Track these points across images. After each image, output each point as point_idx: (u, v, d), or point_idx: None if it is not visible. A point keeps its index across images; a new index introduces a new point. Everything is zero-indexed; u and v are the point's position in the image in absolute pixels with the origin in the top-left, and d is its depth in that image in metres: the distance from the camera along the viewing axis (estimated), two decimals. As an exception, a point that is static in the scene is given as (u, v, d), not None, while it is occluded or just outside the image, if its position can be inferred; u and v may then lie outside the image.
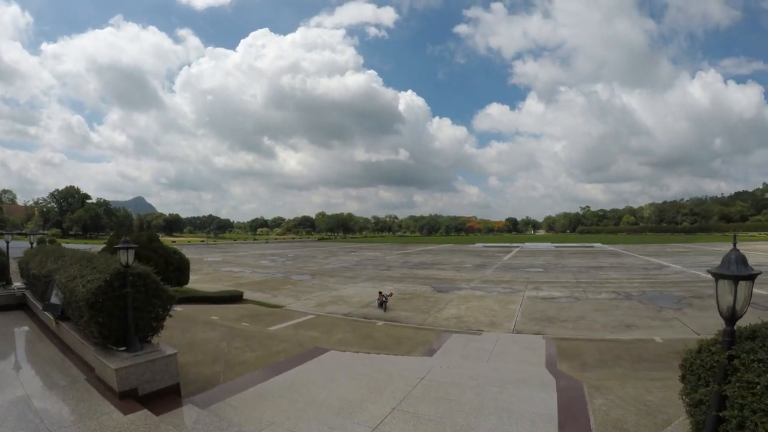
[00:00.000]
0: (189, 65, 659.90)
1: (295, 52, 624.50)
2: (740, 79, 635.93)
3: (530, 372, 12.98)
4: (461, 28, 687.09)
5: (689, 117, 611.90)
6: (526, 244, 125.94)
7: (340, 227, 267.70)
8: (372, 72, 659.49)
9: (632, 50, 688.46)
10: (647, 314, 24.41)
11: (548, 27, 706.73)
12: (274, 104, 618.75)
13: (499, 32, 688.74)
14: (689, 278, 40.19)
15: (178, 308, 17.87)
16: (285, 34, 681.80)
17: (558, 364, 14.83)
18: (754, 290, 6.64)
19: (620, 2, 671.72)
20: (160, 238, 32.03)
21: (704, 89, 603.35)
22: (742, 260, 6.06)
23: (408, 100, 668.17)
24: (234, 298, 26.36)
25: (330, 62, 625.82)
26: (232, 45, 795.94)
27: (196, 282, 33.05)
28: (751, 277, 6.01)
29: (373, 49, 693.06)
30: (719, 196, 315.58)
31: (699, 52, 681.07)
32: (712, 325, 19.90)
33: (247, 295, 27.82)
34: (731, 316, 6.15)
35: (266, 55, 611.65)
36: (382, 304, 24.82)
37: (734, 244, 6.60)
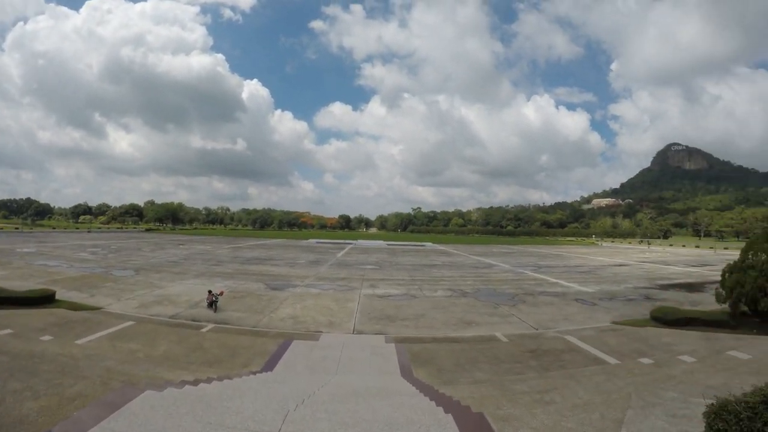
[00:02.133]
0: (25, 21, 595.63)
1: (142, 23, 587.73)
2: (571, 107, 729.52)
3: (393, 386, 11.86)
4: (317, 24, 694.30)
5: (521, 134, 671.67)
6: (359, 241, 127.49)
7: (169, 217, 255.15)
8: (220, 56, 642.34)
9: (478, 68, 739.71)
10: (485, 311, 24.93)
11: (403, 35, 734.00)
12: (110, 77, 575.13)
13: (354, 33, 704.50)
14: (518, 276, 42.11)
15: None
16: (135, 1, 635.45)
17: (414, 372, 14.23)
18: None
19: (474, 23, 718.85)
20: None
21: (537, 111, 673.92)
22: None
23: (253, 90, 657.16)
24: (44, 298, 22.72)
25: (178, 39, 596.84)
26: (76, 5, 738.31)
27: (5, 278, 28.80)
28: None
29: (225, 31, 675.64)
30: (541, 204, 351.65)
31: (538, 78, 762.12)
32: (546, 319, 20.71)
33: (60, 295, 24.19)
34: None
35: (110, 22, 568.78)
36: (212, 303, 22.96)
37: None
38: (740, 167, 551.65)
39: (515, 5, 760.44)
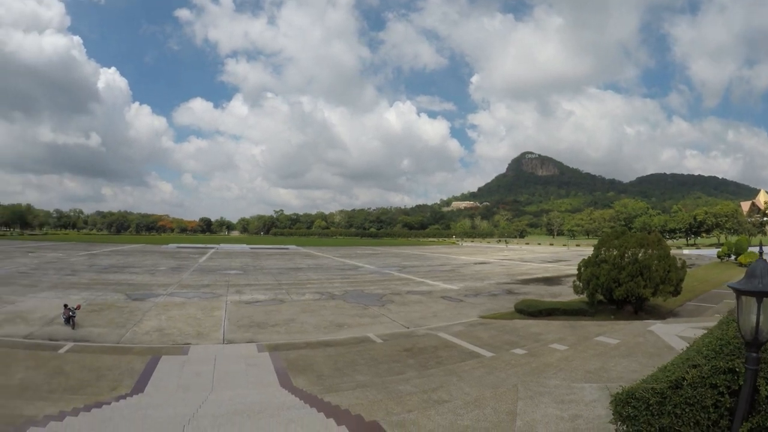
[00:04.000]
0: None
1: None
2: (432, 114, 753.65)
3: (276, 399, 11.66)
4: (183, 13, 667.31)
5: (383, 138, 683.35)
6: (222, 245, 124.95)
7: (17, 221, 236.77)
8: (77, 38, 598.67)
9: (343, 72, 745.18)
10: (355, 312, 25.53)
11: (270, 33, 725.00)
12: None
13: (220, 26, 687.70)
14: (384, 277, 43.10)
15: None
16: None
17: (293, 380, 14.28)
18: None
19: (343, 27, 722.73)
20: None
21: (399, 117, 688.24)
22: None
23: (110, 79, 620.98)
24: None
25: (32, 14, 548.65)
26: None
27: None
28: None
29: (84, 11, 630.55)
30: (402, 207, 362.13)
31: (402, 85, 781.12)
32: (417, 318, 21.44)
33: None
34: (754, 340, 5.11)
35: None
36: (70, 319, 21.49)
37: (761, 254, 5.84)
38: (588, 174, 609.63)
39: (385, 14, 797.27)
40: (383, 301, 29.07)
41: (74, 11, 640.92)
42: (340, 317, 24.27)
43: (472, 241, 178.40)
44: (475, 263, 61.40)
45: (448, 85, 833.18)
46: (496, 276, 43.99)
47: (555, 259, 68.16)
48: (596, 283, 23.91)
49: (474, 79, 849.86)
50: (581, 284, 25.05)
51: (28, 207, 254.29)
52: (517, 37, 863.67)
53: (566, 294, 28.80)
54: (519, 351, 16.62)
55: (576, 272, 26.23)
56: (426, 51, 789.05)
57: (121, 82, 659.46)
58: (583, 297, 25.02)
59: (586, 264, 25.37)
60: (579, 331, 19.57)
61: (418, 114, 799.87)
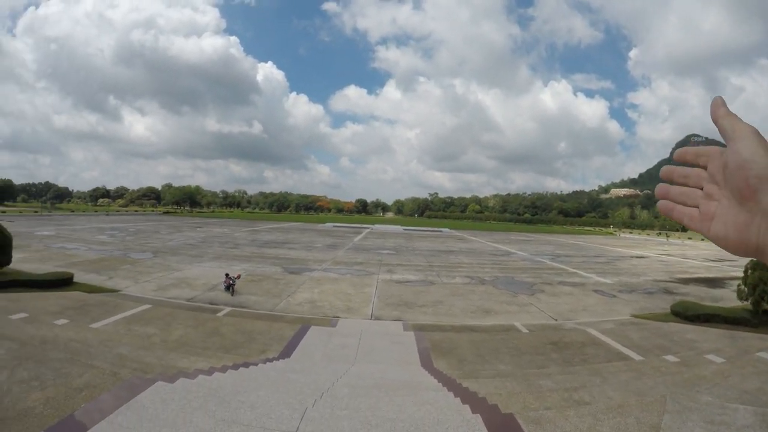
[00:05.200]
0: (36, 6, 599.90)
1: (152, 6, 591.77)
2: (589, 94, 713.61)
3: (415, 379, 11.44)
4: (330, 6, 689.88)
5: (538, 120, 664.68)
6: (376, 225, 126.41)
7: (186, 200, 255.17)
8: (234, 38, 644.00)
9: (494, 52, 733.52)
10: (503, 299, 24.51)
11: (417, 17, 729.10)
12: (123, 61, 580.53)
13: (368, 15, 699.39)
14: (536, 265, 41.55)
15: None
16: None
17: (434, 362, 13.84)
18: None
19: (490, 4, 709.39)
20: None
21: (554, 97, 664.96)
22: None
23: (267, 72, 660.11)
24: (62, 281, 22.57)
25: (189, 21, 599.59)
26: None
27: (23, 261, 28.68)
28: None
29: (237, 13, 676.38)
30: (558, 192, 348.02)
31: (556, 64, 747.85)
32: (566, 310, 20.16)
33: (78, 277, 24.07)
34: None
35: (120, 6, 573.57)
36: (230, 287, 22.74)
37: None
38: None
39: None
40: (533, 289, 27.93)
41: (228, 14, 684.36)
42: (487, 303, 23.46)
43: (631, 233, 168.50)
44: (632, 257, 57.64)
45: (605, 61, 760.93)
46: (654, 272, 40.92)
47: (720, 257, 62.51)
48: (763, 290, 21.26)
49: (632, 53, 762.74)
50: (746, 289, 22.52)
51: (197, 188, 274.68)
52: (678, 2, 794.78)
53: (728, 299, 26.08)
54: (670, 358, 15.11)
55: (742, 275, 23.73)
56: (579, 25, 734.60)
57: (278, 75, 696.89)
58: (747, 304, 22.48)
59: (753, 266, 22.67)
60: (739, 343, 17.47)
61: (575, 93, 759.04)
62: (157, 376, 8.45)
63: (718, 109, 1.04)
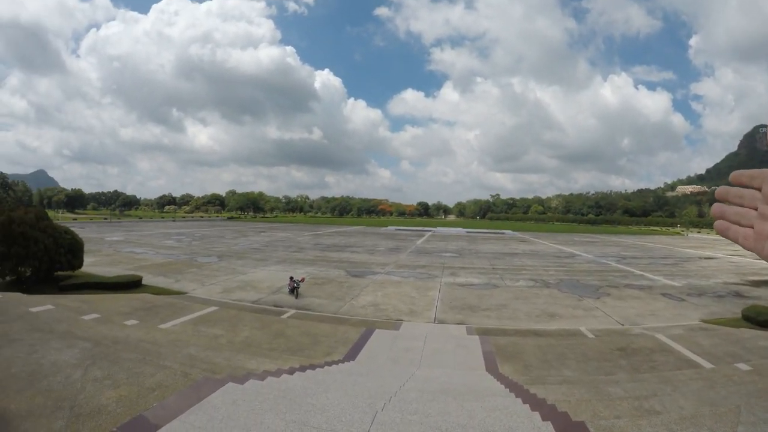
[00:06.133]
0: (97, 28, 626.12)
1: (208, 21, 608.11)
2: (650, 86, 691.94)
3: (482, 384, 11.18)
4: (382, 11, 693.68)
5: (600, 116, 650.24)
6: (438, 228, 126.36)
7: (250, 206, 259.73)
8: (290, 48, 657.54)
9: (551, 48, 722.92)
10: (568, 303, 23.96)
11: (470, 17, 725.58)
12: (183, 75, 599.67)
13: (420, 17, 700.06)
14: (601, 267, 40.55)
15: (43, 307, 15.36)
16: (201, 1, 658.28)
17: (500, 367, 13.60)
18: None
19: (543, 0, 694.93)
20: (61, 214, 28.82)
21: (615, 92, 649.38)
22: None
23: (324, 79, 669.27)
24: (131, 283, 23.39)
25: (245, 34, 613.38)
26: (143, 9, 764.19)
27: (94, 265, 29.90)
28: None
29: (291, 24, 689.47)
30: (623, 191, 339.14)
31: (615, 56, 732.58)
32: (633, 315, 19.52)
33: (147, 280, 24.94)
34: None
35: (178, 23, 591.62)
36: (294, 290, 22.96)
37: None
38: None
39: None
40: (599, 293, 27.21)
41: (282, 25, 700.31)
42: (552, 306, 22.97)
43: (699, 232, 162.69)
44: (701, 258, 55.60)
45: (665, 51, 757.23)
46: (724, 274, 39.32)
47: (794, 257, 60.23)
48: None
49: (693, 41, 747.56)
50: (822, 292, 21.40)
51: (260, 194, 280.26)
52: None
53: (804, 304, 25.03)
54: (743, 366, 14.37)
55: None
56: (636, 14, 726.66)
57: (336, 81, 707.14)
58: (822, 309, 21.35)
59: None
60: None
61: (636, 87, 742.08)
62: (226, 377, 8.47)
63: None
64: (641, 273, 37.36)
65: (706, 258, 55.42)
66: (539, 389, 10.38)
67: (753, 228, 1.13)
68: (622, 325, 19.97)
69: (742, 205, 1.18)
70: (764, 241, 1.08)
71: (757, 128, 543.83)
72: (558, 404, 8.88)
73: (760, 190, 1.12)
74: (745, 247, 1.13)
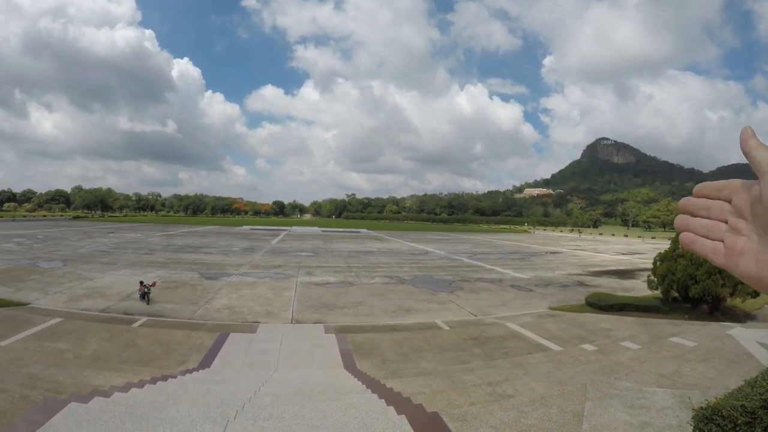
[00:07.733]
0: None
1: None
2: (504, 98, 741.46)
3: (339, 382, 11.47)
4: (250, 2, 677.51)
5: (455, 122, 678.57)
6: (294, 227, 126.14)
7: (98, 204, 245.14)
8: (149, 32, 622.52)
9: (413, 55, 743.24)
10: (423, 297, 25.14)
11: (338, 18, 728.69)
12: (30, 52, 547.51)
13: (288, 13, 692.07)
14: (454, 263, 42.60)
15: None
16: None
17: (357, 363, 14.14)
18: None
19: (411, 8, 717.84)
20: None
21: (470, 100, 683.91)
22: None
23: (183, 69, 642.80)
24: (-39, 295, 21.70)
25: (102, 11, 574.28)
26: None
27: None
28: None
29: (153, 5, 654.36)
30: (474, 192, 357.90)
31: (474, 68, 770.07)
32: (485, 306, 20.80)
33: (-17, 291, 23.18)
34: None
35: None
36: (145, 295, 22.18)
37: None
38: (667, 162, 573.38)
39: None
40: (452, 287, 28.67)
41: (144, 5, 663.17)
42: (408, 302, 23.99)
43: (545, 230, 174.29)
44: (547, 252, 59.90)
45: (520, 67, 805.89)
46: (568, 266, 42.73)
47: (629, 251, 65.83)
48: (672, 279, 22.67)
49: (547, 60, 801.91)
50: (656, 279, 23.90)
51: (109, 191, 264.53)
52: (593, 15, 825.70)
53: (639, 289, 27.67)
54: (588, 347, 15.87)
55: (651, 266, 25.11)
56: (498, 31, 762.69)
57: (194, 72, 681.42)
58: (657, 293, 23.84)
59: (662, 258, 24.10)
60: (652, 330, 18.57)
61: (491, 97, 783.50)
62: (70, 396, 8.06)
63: (749, 141, 1.00)
64: (492, 267, 39.57)
65: (551, 252, 59.59)
66: (396, 383, 10.92)
67: (723, 242, 1.07)
68: (475, 316, 21.25)
69: (709, 218, 1.12)
70: (737, 258, 1.02)
71: (599, 140, 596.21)
72: (414, 396, 9.42)
73: (729, 201, 1.07)
74: (715, 263, 1.07)
